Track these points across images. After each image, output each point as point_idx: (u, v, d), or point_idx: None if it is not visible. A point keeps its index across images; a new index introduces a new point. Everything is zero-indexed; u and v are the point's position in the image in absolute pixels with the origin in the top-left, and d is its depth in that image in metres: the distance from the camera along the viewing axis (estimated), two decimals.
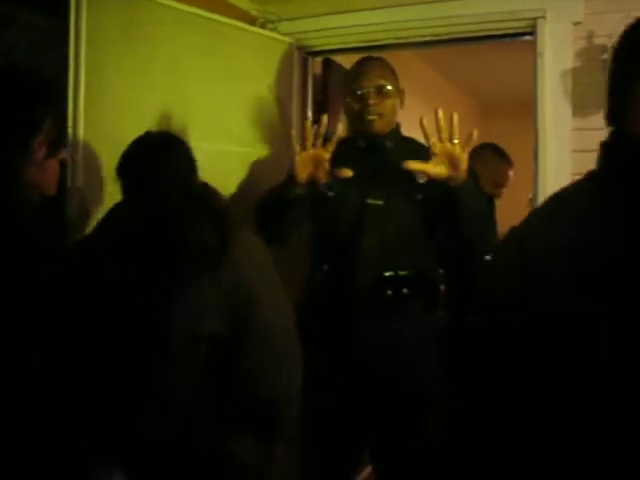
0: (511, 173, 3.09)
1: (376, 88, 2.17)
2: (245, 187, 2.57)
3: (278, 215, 2.14)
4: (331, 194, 2.19)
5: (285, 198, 2.10)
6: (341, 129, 2.11)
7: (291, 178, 2.08)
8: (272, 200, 2.17)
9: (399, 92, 2.25)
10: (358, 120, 2.22)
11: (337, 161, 2.13)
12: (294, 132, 2.22)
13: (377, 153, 2.23)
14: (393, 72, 2.26)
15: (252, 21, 2.85)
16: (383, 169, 2.19)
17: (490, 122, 5.93)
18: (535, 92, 2.50)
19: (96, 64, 2.02)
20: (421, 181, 2.11)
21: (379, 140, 2.22)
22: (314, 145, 2.09)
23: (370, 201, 2.14)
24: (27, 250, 1.17)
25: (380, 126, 2.20)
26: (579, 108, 2.43)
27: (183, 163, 1.66)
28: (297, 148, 2.08)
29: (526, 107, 2.78)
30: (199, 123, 2.38)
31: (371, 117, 2.17)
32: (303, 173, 2.07)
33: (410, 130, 2.27)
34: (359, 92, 2.18)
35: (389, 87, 2.19)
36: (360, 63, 2.29)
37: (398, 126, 2.30)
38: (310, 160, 2.08)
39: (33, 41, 2.06)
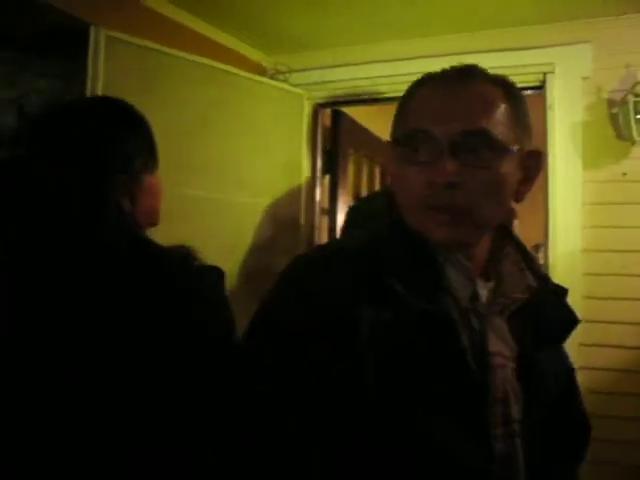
0: (516, 222, 3.09)
1: None
2: (254, 238, 2.56)
3: None
4: None
5: None
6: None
7: None
8: None
9: None
10: None
11: None
12: None
13: None
14: None
15: (263, 72, 2.88)
16: None
17: None
18: (545, 145, 2.52)
19: None
20: None
21: None
22: None
23: None
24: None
25: None
26: (589, 161, 2.45)
27: None
28: None
29: None
30: (210, 173, 2.39)
31: None
32: None
33: None
34: None
35: None
36: None
37: None
38: None
39: (47, 88, 2.09)
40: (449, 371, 0.94)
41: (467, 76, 0.98)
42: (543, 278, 1.07)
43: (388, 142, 1.05)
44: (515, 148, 0.97)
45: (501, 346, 1.01)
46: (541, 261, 3.09)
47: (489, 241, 1.06)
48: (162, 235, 1.22)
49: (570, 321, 1.10)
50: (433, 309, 0.94)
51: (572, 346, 1.20)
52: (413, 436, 0.91)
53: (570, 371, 1.16)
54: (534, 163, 1.04)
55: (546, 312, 1.05)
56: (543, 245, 2.61)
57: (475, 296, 1.00)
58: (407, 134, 0.98)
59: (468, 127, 0.93)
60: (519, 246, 1.09)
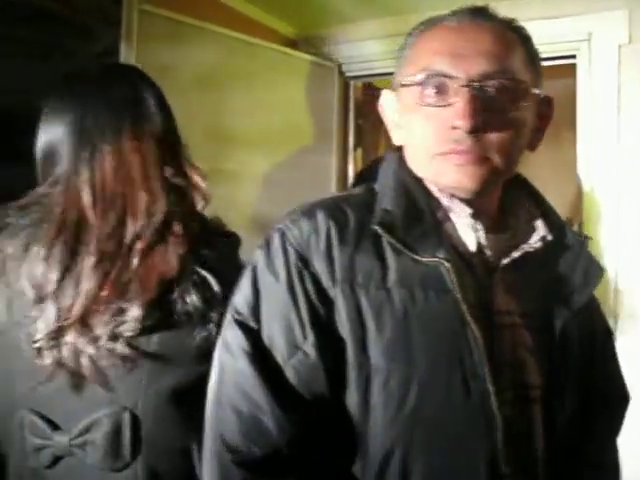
0: None
1: None
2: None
3: None
4: None
5: None
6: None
7: None
8: None
9: None
10: None
11: None
12: None
13: None
14: None
15: (293, 45, 2.88)
16: None
17: None
18: (578, 114, 2.48)
19: None
20: None
21: None
22: None
23: None
24: None
25: None
26: (625, 131, 2.40)
27: None
28: None
29: None
30: (239, 147, 2.40)
31: None
32: None
33: None
34: None
35: None
36: None
37: None
38: None
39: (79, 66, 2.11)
40: (444, 328, 0.88)
41: (482, 17, 0.93)
42: (561, 230, 1.00)
43: (388, 90, 1.02)
44: (535, 92, 0.92)
45: (513, 304, 0.93)
46: None
47: (501, 192, 1.00)
48: None
49: (593, 274, 0.98)
50: (427, 260, 0.89)
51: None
52: (404, 399, 0.86)
53: (601, 334, 1.08)
54: (547, 110, 0.98)
55: (565, 266, 0.97)
56: (573, 218, 2.56)
57: (480, 249, 0.94)
58: (423, 76, 0.91)
59: (490, 68, 0.88)
60: (536, 197, 1.03)
